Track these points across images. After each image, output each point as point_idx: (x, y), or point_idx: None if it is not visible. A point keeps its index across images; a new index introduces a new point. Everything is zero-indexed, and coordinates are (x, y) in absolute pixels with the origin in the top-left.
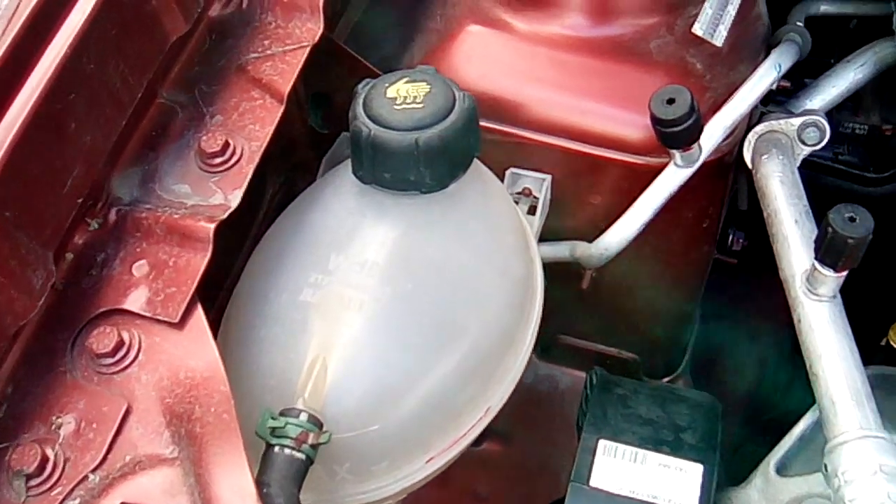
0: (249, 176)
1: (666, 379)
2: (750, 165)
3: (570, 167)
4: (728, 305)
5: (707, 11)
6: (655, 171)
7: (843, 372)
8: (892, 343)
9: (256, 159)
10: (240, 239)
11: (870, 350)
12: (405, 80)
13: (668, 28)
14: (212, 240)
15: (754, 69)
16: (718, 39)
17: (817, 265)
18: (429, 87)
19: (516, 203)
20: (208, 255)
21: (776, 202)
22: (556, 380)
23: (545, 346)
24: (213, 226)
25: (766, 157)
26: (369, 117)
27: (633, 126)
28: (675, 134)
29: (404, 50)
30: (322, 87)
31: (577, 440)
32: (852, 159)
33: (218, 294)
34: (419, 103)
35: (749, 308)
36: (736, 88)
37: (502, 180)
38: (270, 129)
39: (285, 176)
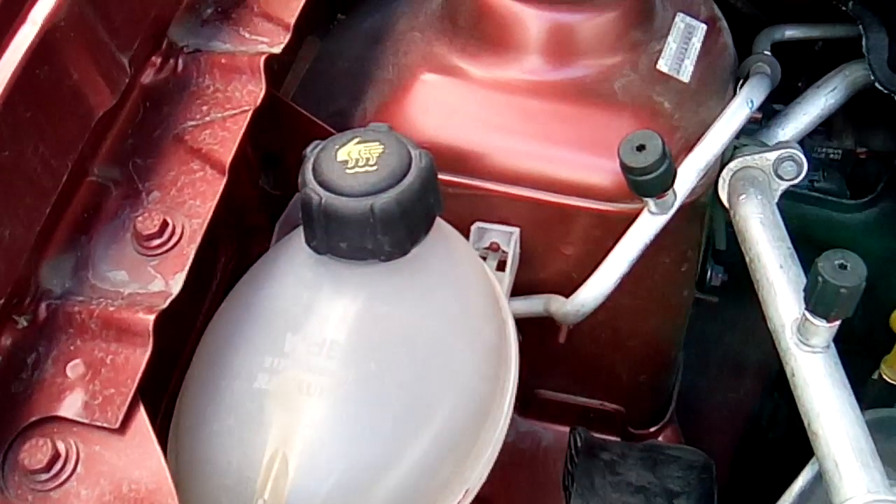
0: (191, 258)
1: (654, 428)
2: (727, 205)
3: (539, 218)
4: (712, 344)
5: (671, 46)
6: (629, 218)
7: (845, 430)
8: (884, 376)
9: (198, 239)
10: (191, 317)
11: (861, 384)
12: (356, 140)
13: (631, 66)
14: (151, 333)
15: (725, 105)
16: (685, 75)
17: (808, 315)
18: (382, 147)
19: (484, 259)
20: (149, 350)
21: (758, 246)
22: (539, 436)
23: (525, 402)
24: (152, 317)
25: (743, 197)
26: (320, 183)
27: (602, 172)
28: (647, 182)
29: (357, 103)
30: (271, 147)
31: (565, 502)
32: (829, 186)
33: (169, 383)
34: (372, 166)
35: (733, 342)
36: (707, 126)
37: (468, 236)
38: (212, 204)
39: (238, 242)
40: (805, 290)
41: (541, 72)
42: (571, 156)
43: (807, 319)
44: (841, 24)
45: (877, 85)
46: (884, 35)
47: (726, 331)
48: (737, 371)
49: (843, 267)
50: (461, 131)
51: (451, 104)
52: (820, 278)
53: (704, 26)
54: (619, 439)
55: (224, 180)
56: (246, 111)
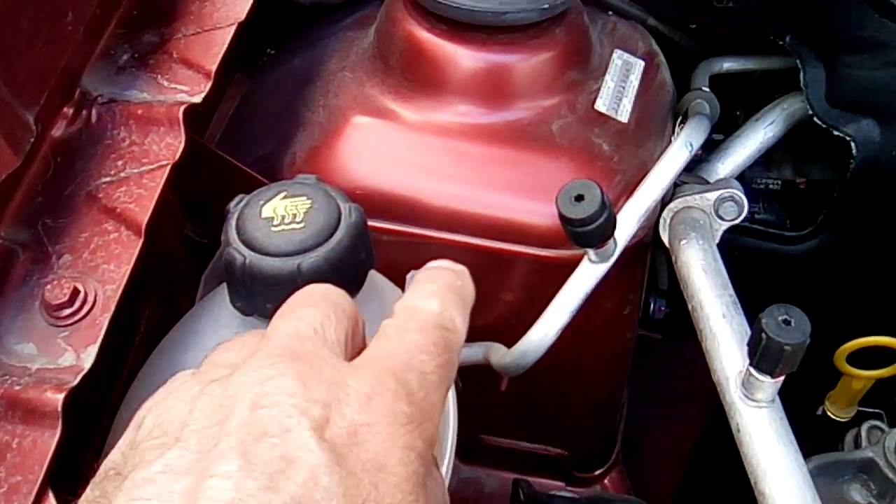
0: (104, 329)
1: (599, 471)
2: (668, 246)
3: (477, 264)
4: (654, 376)
5: (608, 85)
6: (569, 264)
7: (793, 490)
8: (828, 413)
9: (112, 307)
10: (111, 379)
11: (805, 420)
12: (282, 195)
13: (569, 107)
14: (61, 414)
15: (664, 145)
16: (623, 115)
17: (753, 371)
18: (309, 202)
19: None
20: (58, 432)
21: (700, 294)
22: (482, 483)
23: (467, 449)
24: (62, 396)
25: (684, 242)
26: (244, 242)
27: (539, 217)
28: (586, 233)
29: (286, 146)
30: (195, 195)
31: None
32: (769, 217)
33: (85, 461)
34: (299, 222)
35: (675, 373)
36: (647, 168)
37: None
38: (128, 269)
39: (163, 293)
40: (749, 345)
41: (475, 114)
42: (509, 201)
43: (751, 374)
44: (778, 55)
45: (815, 119)
46: (821, 70)
47: (668, 362)
48: (680, 402)
49: (786, 323)
50: (394, 176)
51: (384, 148)
52: (763, 335)
53: (642, 63)
54: (563, 484)
55: (140, 242)
56: (164, 166)
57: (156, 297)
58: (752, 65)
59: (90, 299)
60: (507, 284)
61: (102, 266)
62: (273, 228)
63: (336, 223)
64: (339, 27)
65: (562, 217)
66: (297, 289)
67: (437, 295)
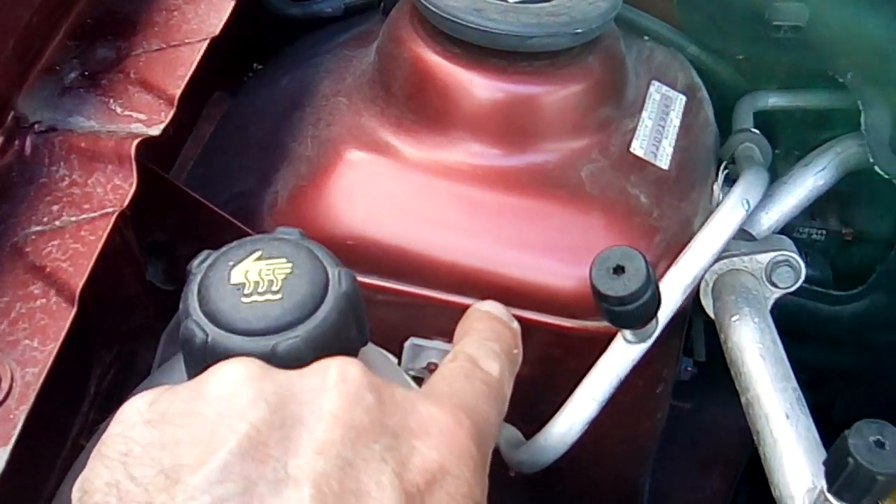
0: (20, 424)
1: None
2: (711, 315)
3: None
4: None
5: (646, 124)
6: (595, 337)
7: None
8: None
9: (32, 397)
10: (45, 458)
11: None
12: (256, 255)
13: (601, 150)
14: None
15: (707, 196)
16: (663, 160)
17: (831, 499)
18: (290, 265)
19: (420, 383)
20: None
21: (757, 387)
22: None
23: None
24: None
25: (736, 318)
26: (207, 314)
27: (562, 280)
28: (626, 314)
29: (267, 183)
30: (159, 236)
31: None
32: (812, 273)
33: None
34: (276, 292)
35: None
36: (689, 224)
37: (400, 353)
38: (55, 347)
39: (119, 348)
40: (827, 466)
41: (491, 156)
42: (526, 260)
43: (826, 500)
44: (832, 91)
45: (876, 168)
46: (886, 113)
47: (688, 424)
48: (702, 469)
49: (880, 445)
50: (393, 225)
51: (381, 191)
52: (850, 459)
53: (683, 98)
54: None
55: (73, 312)
56: (108, 214)
57: (110, 352)
58: (802, 101)
59: (5, 385)
60: (523, 357)
61: (24, 342)
62: (244, 299)
63: (322, 294)
64: (336, 43)
65: (597, 293)
66: None
67: (500, 360)
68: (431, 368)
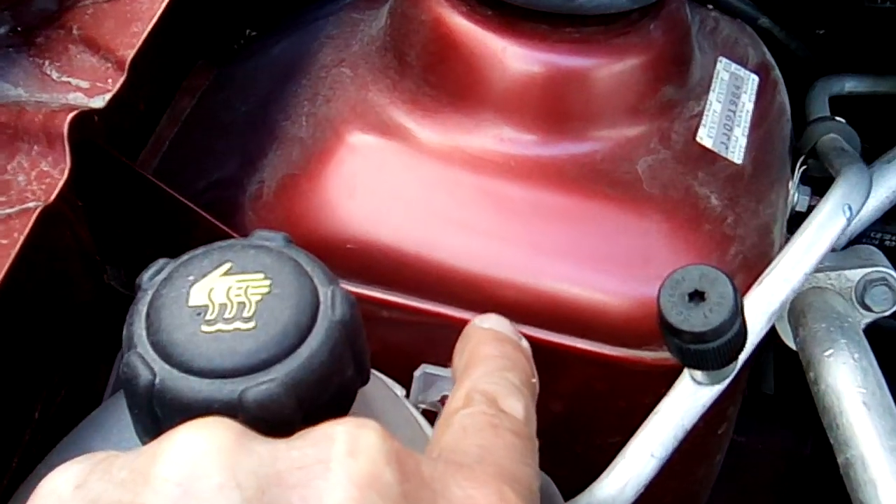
0: None
1: None
2: (790, 344)
3: None
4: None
5: (713, 107)
6: (650, 371)
7: None
8: None
9: None
10: None
11: None
12: (225, 268)
13: (662, 139)
14: None
15: (786, 197)
16: (736, 152)
17: None
18: (268, 282)
19: (433, 419)
20: None
21: (861, 446)
22: None
23: None
24: None
25: (830, 353)
26: (156, 346)
27: (613, 300)
28: (704, 353)
29: (251, 169)
30: (120, 232)
31: None
32: None
33: None
34: (248, 319)
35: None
36: (768, 233)
37: (408, 382)
38: None
39: (70, 364)
40: None
41: (527, 143)
42: (567, 272)
43: None
44: None
45: None
46: None
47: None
48: (745, 497)
49: None
50: (403, 226)
51: (391, 184)
52: None
53: (756, 78)
54: None
55: None
56: (29, 211)
57: (59, 370)
58: (886, 87)
59: None
60: (556, 390)
61: None
62: (205, 327)
63: (309, 322)
64: (341, 3)
65: (667, 325)
66: None
67: (522, 396)
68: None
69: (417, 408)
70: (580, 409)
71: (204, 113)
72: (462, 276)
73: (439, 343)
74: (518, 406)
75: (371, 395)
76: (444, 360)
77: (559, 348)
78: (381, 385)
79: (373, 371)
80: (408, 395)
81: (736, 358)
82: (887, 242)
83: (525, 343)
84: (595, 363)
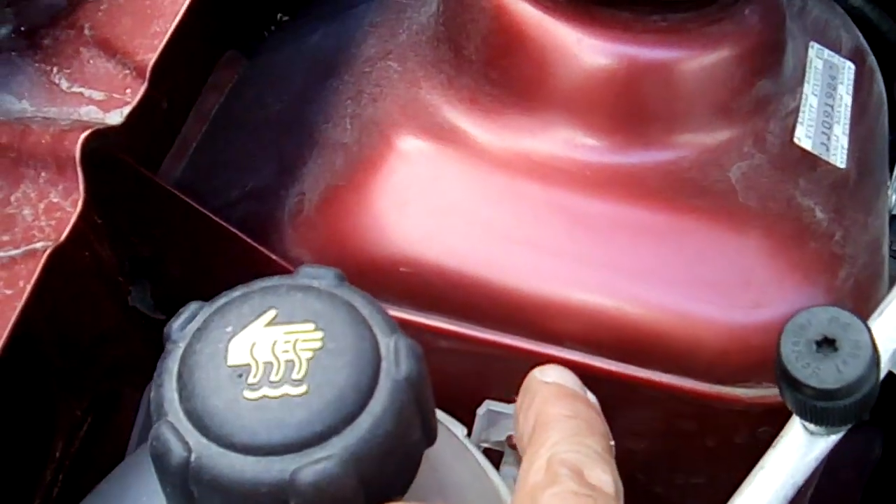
0: None
1: None
2: None
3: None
4: None
5: (810, 103)
6: (748, 411)
7: None
8: None
9: None
10: None
11: None
12: (269, 317)
13: (757, 142)
14: None
15: (889, 210)
16: (838, 155)
17: None
18: (320, 335)
19: (499, 462)
20: None
21: None
22: None
23: None
24: None
25: None
26: (191, 416)
27: (706, 330)
28: (833, 410)
29: (289, 179)
30: (142, 251)
31: None
32: None
33: None
34: (299, 381)
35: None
36: (879, 250)
37: (471, 420)
38: None
39: (93, 396)
40: None
41: (604, 149)
42: (652, 299)
43: None
44: None
45: None
46: None
47: None
48: None
49: None
50: (463, 245)
51: (448, 196)
52: None
53: (852, 66)
54: None
55: None
56: (36, 252)
57: (80, 403)
58: None
59: None
60: (638, 429)
61: None
62: (248, 392)
63: (370, 383)
64: None
65: (788, 378)
66: None
67: (609, 464)
68: (513, 443)
69: (479, 447)
70: (664, 448)
71: (234, 111)
72: (530, 301)
73: (505, 377)
74: (607, 479)
75: (435, 451)
76: (510, 395)
77: (641, 383)
78: (442, 430)
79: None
80: (469, 433)
81: (865, 414)
82: None
83: (593, 398)
84: (684, 400)
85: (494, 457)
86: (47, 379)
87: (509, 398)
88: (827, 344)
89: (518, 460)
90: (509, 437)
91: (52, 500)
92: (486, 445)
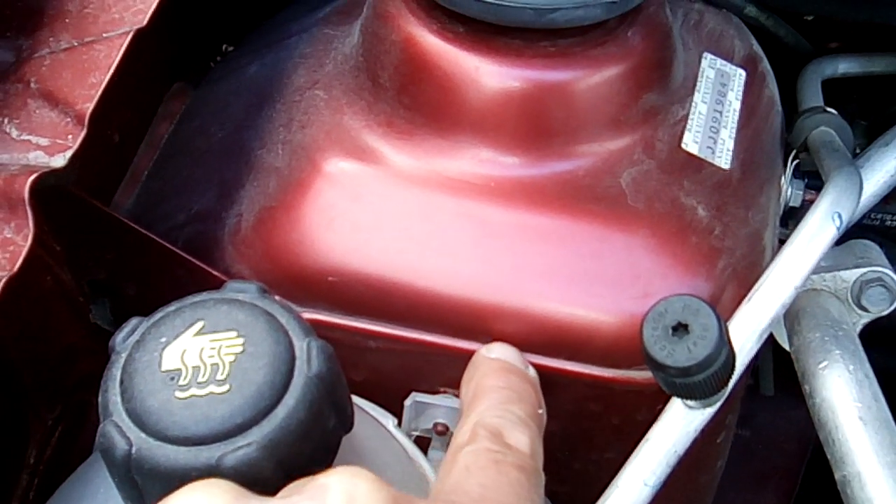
0: None
1: None
2: (784, 345)
3: None
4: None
5: (699, 110)
6: (643, 391)
7: None
8: None
9: None
10: None
11: None
12: (198, 327)
13: (646, 149)
14: None
15: (777, 200)
16: (723, 157)
17: None
18: (241, 341)
19: (426, 447)
20: None
21: (857, 462)
22: None
23: None
24: None
25: (824, 366)
26: (131, 414)
27: (601, 320)
28: (691, 385)
29: (228, 202)
30: (96, 274)
31: None
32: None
33: None
34: (222, 381)
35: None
36: (759, 240)
37: (400, 412)
38: None
39: (63, 405)
40: None
41: (507, 164)
42: (553, 295)
43: None
44: None
45: None
46: None
47: (740, 436)
48: (757, 484)
49: None
50: (385, 255)
51: (369, 212)
52: None
53: (743, 72)
54: None
55: None
56: None
57: (52, 412)
58: (879, 67)
59: None
60: (552, 412)
61: None
62: (178, 393)
63: (284, 381)
64: (315, 18)
65: (652, 361)
66: None
67: (528, 428)
68: (439, 430)
69: (410, 436)
70: (576, 428)
71: (181, 139)
72: (447, 302)
73: (428, 370)
74: (524, 439)
75: (359, 436)
76: (435, 384)
77: (550, 371)
78: (368, 421)
79: (362, 402)
80: (399, 424)
81: (725, 386)
82: (888, 223)
83: (532, 372)
84: (588, 385)
85: (424, 443)
86: (19, 392)
87: (434, 390)
88: (681, 328)
89: (444, 445)
90: (435, 425)
91: (28, 503)
92: (416, 434)
